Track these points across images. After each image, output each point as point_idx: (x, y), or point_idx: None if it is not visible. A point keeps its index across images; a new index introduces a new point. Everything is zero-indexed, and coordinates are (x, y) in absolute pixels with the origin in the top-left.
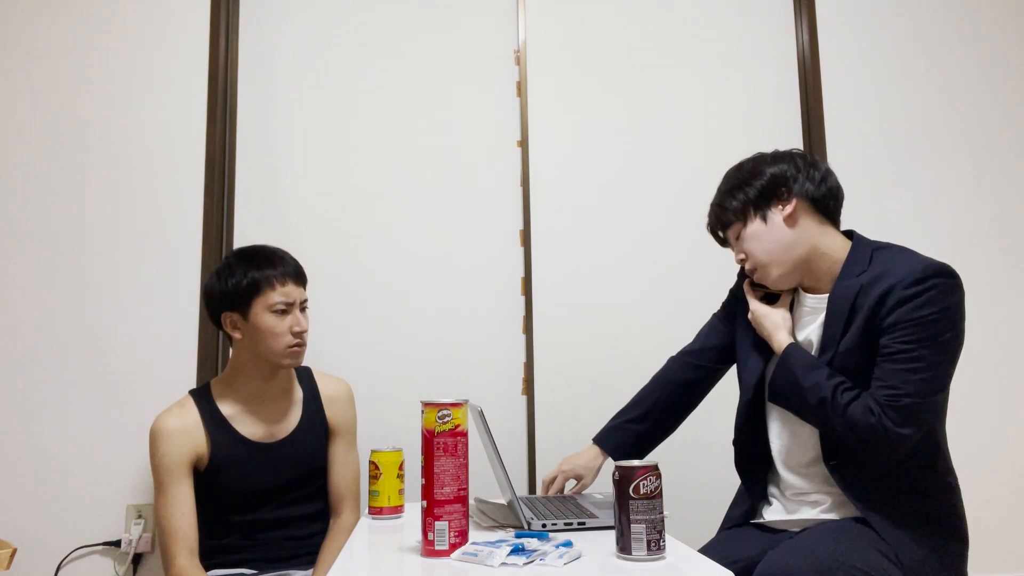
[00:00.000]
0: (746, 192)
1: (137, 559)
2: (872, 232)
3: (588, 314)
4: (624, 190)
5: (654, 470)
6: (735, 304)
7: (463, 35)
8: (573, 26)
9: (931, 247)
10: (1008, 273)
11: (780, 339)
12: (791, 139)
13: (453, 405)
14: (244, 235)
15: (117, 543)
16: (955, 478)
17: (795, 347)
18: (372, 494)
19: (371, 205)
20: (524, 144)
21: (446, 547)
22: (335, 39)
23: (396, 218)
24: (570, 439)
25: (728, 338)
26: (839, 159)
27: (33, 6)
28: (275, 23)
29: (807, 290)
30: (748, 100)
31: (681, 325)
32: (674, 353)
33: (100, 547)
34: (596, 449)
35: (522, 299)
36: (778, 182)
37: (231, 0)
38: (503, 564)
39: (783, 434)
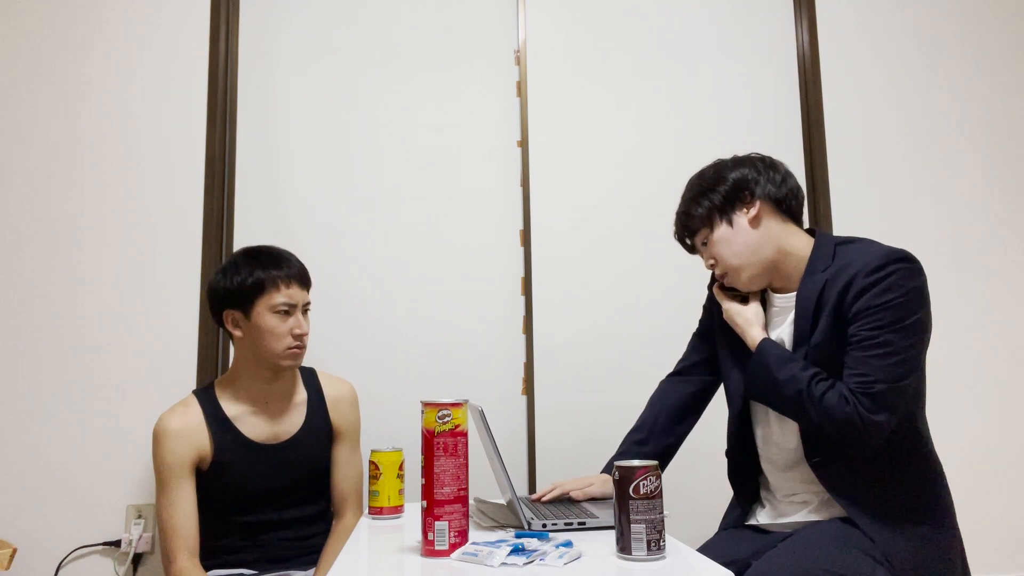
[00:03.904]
0: (711, 198)
1: (137, 559)
2: (871, 232)
3: (588, 314)
4: (624, 190)
5: (654, 470)
6: (710, 320)
7: (463, 35)
8: (573, 26)
9: (931, 247)
10: (1008, 273)
11: (753, 335)
12: (791, 139)
13: (453, 405)
14: (244, 235)
15: (117, 543)
16: (939, 464)
17: (768, 341)
18: (372, 494)
19: (371, 205)
20: (524, 144)
21: (446, 547)
22: (335, 39)
23: (396, 218)
24: (570, 439)
25: (710, 351)
26: (839, 159)
27: (34, 7)
28: (275, 23)
29: (775, 290)
30: (748, 100)
31: (681, 325)
32: (671, 366)
33: (100, 547)
34: (606, 475)
35: (522, 299)
36: (741, 186)
37: (231, 0)
38: (503, 564)
39: (766, 437)
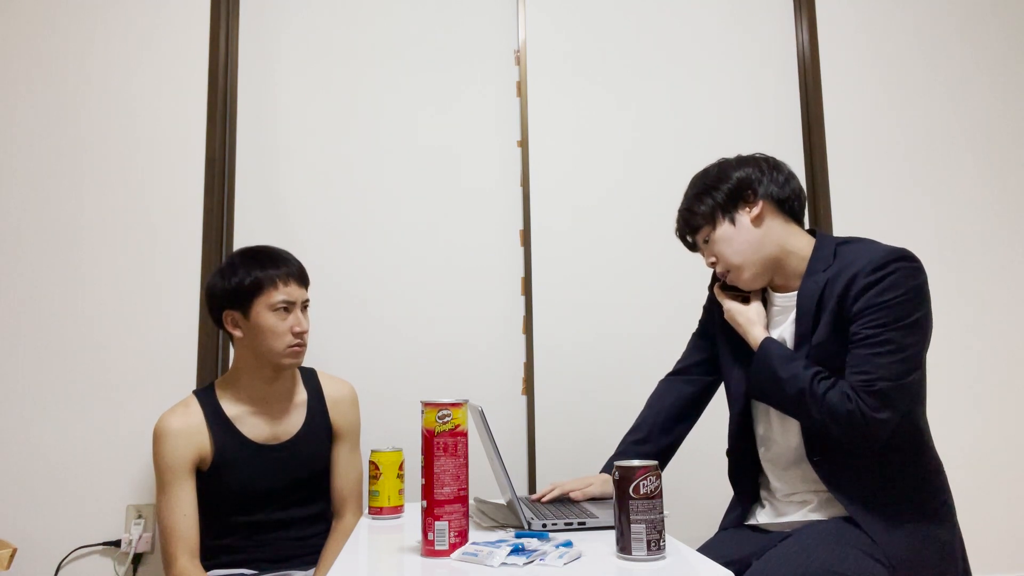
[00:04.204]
0: (713, 196)
1: (137, 559)
2: (871, 232)
3: (588, 314)
4: (624, 190)
5: (654, 470)
6: (711, 320)
7: (463, 35)
8: (573, 26)
9: (931, 247)
10: (1008, 273)
11: (756, 334)
12: (791, 139)
13: (453, 405)
14: (244, 235)
15: (117, 543)
16: (939, 462)
17: (771, 340)
18: (372, 494)
19: (371, 205)
20: (524, 144)
21: (446, 547)
22: (335, 39)
23: (396, 218)
24: (570, 439)
25: (710, 351)
26: (839, 159)
27: (33, 6)
28: (275, 23)
29: (776, 289)
30: (748, 100)
31: (681, 325)
32: (671, 366)
33: (100, 547)
34: (606, 475)
35: (522, 299)
36: (744, 185)
37: (231, 0)
38: (503, 564)
39: (767, 436)
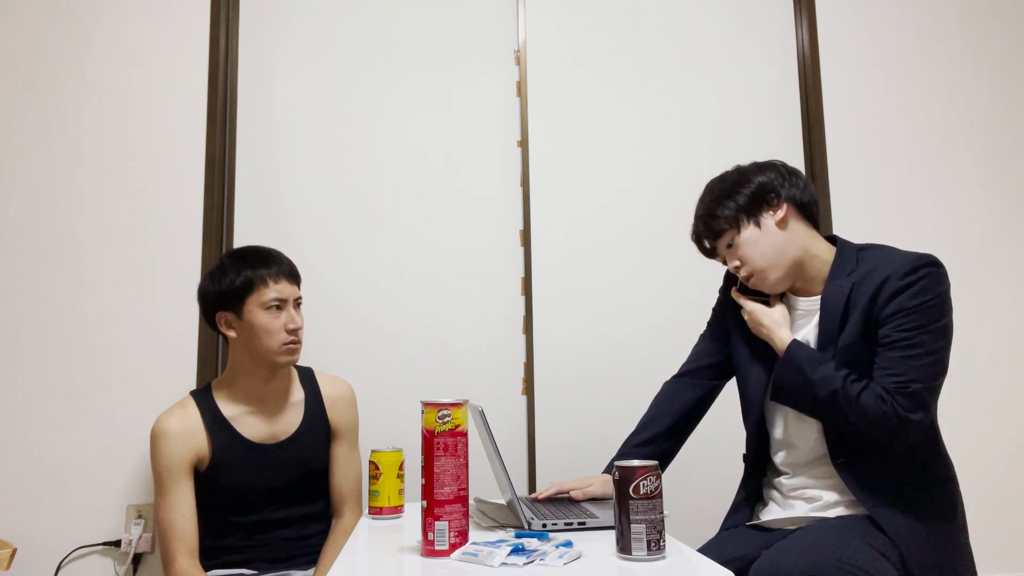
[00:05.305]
0: (736, 200)
1: (137, 559)
2: (871, 232)
3: (588, 314)
4: (624, 190)
5: (654, 470)
6: (723, 322)
7: (463, 35)
8: (573, 26)
9: (931, 247)
10: (1008, 273)
11: (782, 336)
12: (791, 139)
13: (453, 405)
14: (244, 235)
15: (117, 543)
16: (952, 464)
17: (798, 343)
18: (372, 494)
19: (371, 205)
20: (524, 144)
21: (446, 547)
22: (335, 39)
23: (396, 218)
24: (570, 439)
25: (720, 355)
26: (839, 159)
27: (33, 6)
28: (275, 23)
29: (797, 293)
30: (748, 100)
31: (681, 325)
32: (671, 366)
33: (100, 547)
34: (606, 475)
35: (522, 299)
36: (766, 188)
37: (231, 0)
38: (503, 564)
39: (785, 439)
